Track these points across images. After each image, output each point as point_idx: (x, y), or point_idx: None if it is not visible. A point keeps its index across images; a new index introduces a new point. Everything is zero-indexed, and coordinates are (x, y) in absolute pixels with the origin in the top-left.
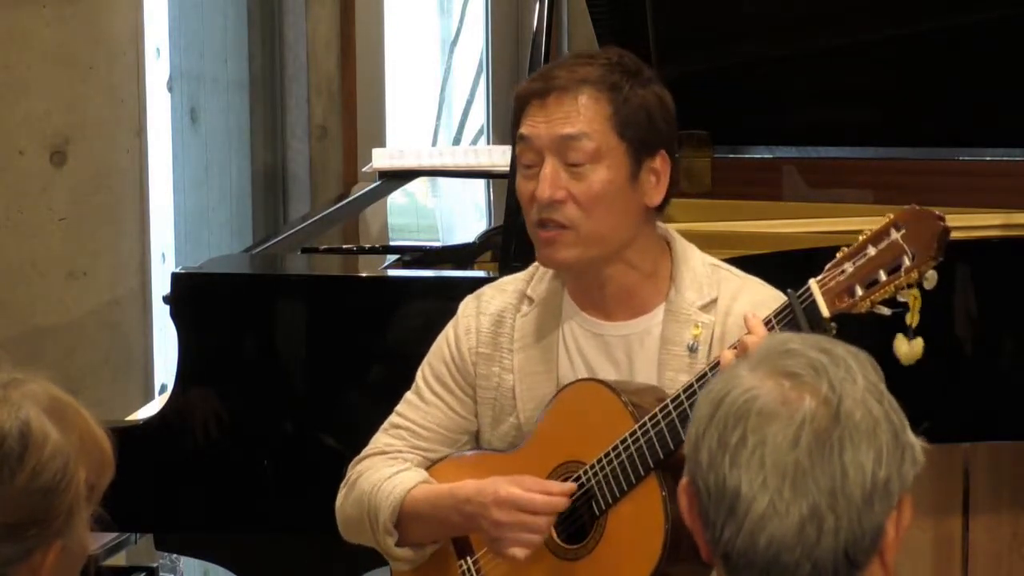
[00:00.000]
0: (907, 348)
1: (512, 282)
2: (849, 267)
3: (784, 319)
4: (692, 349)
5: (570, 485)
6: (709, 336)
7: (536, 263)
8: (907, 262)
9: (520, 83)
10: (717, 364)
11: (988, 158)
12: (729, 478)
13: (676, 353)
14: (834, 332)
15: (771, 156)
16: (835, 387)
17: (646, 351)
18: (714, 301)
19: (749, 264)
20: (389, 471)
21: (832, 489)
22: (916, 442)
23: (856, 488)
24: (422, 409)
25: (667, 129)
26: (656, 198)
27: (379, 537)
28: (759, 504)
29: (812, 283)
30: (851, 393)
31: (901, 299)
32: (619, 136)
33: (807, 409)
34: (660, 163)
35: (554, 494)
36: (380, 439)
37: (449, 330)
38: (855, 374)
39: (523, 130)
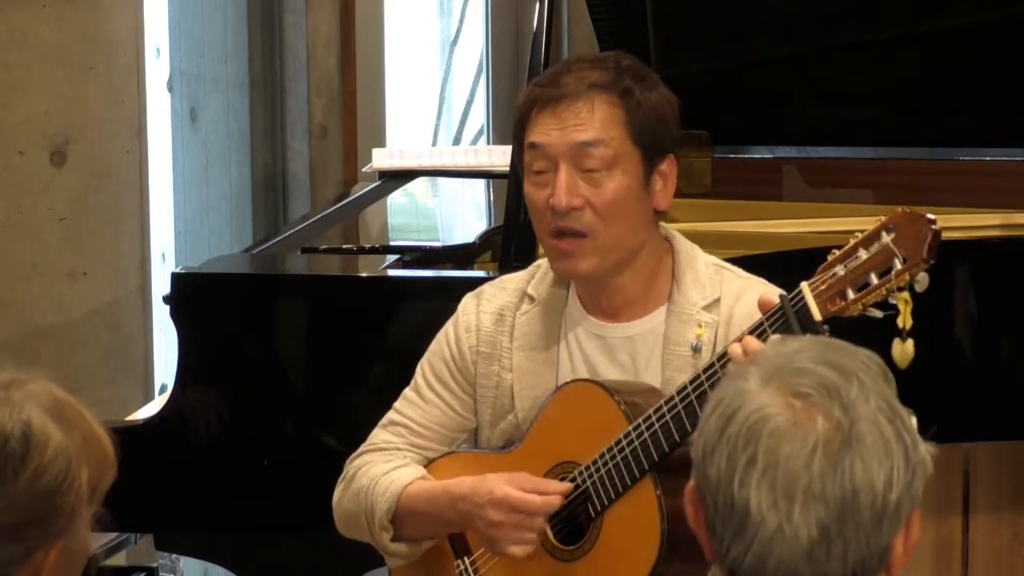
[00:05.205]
0: (900, 350)
1: (513, 280)
2: (840, 270)
3: (776, 323)
4: (696, 349)
5: (566, 485)
6: (713, 336)
7: (537, 262)
8: (898, 265)
9: (524, 88)
10: (711, 368)
11: (988, 158)
12: (738, 498)
13: (680, 353)
14: (827, 334)
15: (771, 156)
16: (847, 409)
17: (650, 351)
18: (717, 301)
19: (749, 264)
20: (387, 466)
21: (842, 513)
22: (926, 454)
23: (866, 511)
24: (421, 407)
25: (675, 132)
26: (664, 202)
27: (375, 532)
28: (768, 526)
29: (804, 286)
30: (864, 415)
31: (893, 302)
32: (633, 142)
33: (819, 431)
34: (668, 166)
35: (550, 493)
36: (378, 435)
37: (449, 328)
38: (868, 392)
39: (534, 138)
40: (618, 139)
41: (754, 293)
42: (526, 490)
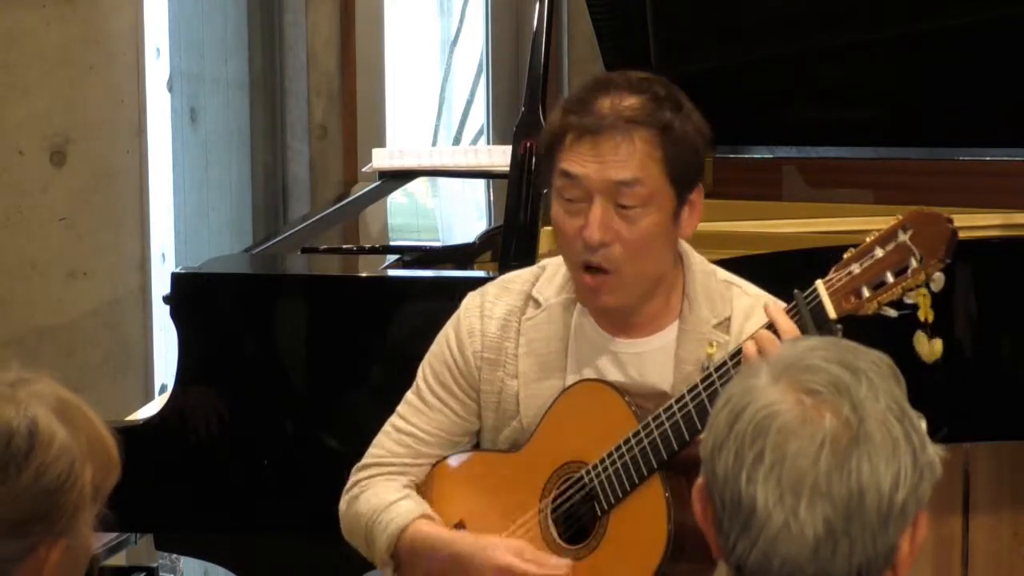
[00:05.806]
0: (927, 347)
1: (517, 281)
2: (856, 268)
3: (790, 319)
4: (706, 369)
5: (566, 561)
6: (723, 357)
7: (542, 263)
8: (914, 264)
9: (559, 111)
10: (723, 366)
11: (988, 158)
12: (745, 494)
13: (690, 372)
14: (840, 333)
15: (771, 156)
16: (856, 407)
17: (660, 368)
18: (727, 320)
19: (750, 264)
20: (389, 497)
21: (848, 512)
22: (935, 456)
23: (872, 511)
24: (425, 414)
25: (704, 160)
26: (690, 229)
27: (376, 562)
28: (774, 522)
29: (819, 284)
30: (873, 414)
31: (908, 301)
32: (668, 178)
33: (828, 429)
34: (696, 195)
35: (550, 568)
36: (384, 444)
37: (450, 331)
38: (877, 391)
39: (570, 167)
40: (655, 177)
41: (763, 312)
42: (528, 562)
